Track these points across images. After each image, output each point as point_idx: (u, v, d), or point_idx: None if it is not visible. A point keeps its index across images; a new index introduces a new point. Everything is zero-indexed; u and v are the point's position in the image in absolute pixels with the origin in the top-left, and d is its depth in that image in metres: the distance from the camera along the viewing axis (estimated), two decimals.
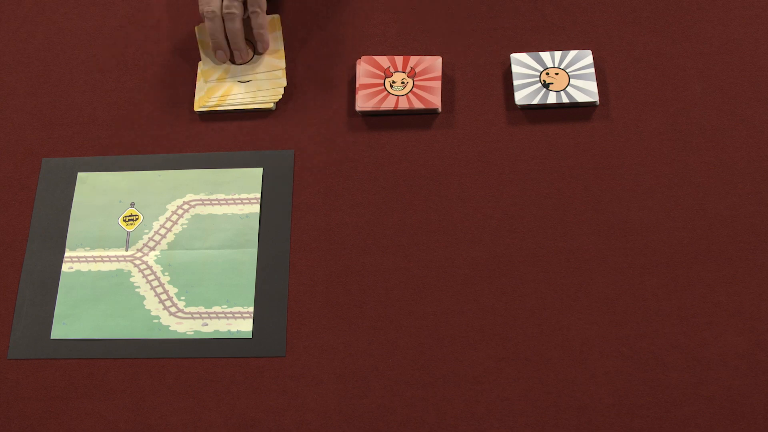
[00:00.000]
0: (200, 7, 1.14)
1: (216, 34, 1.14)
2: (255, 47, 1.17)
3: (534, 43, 1.17)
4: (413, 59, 1.15)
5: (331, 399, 0.98)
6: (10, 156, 1.15)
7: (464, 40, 1.18)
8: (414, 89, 1.13)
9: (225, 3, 1.13)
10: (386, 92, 1.13)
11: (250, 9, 1.15)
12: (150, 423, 0.97)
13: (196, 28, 1.19)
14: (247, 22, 1.17)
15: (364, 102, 1.13)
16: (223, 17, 1.14)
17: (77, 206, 1.10)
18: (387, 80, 1.14)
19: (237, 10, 1.13)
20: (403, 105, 1.12)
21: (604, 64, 1.15)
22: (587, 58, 1.13)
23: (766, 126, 1.09)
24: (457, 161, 1.10)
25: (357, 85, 1.14)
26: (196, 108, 1.15)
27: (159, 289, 1.05)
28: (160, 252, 1.07)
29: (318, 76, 1.17)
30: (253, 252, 1.06)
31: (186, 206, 1.09)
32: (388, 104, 1.12)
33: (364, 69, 1.15)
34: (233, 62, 1.17)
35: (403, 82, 1.14)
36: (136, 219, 1.09)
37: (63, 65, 1.21)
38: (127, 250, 1.07)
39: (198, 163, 1.12)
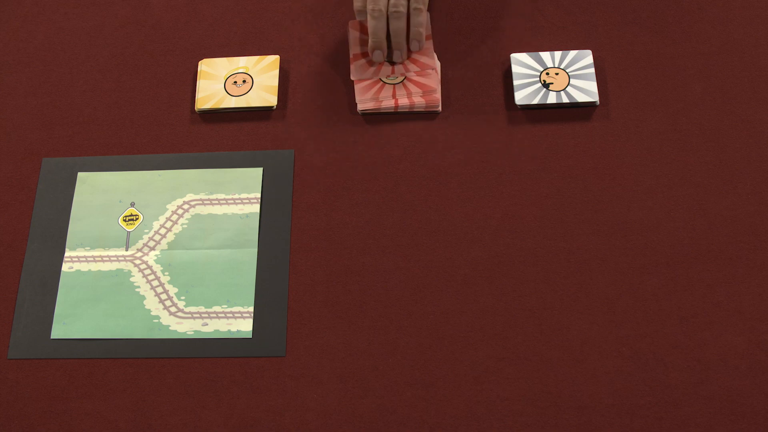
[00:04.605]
0: (362, 5, 1.11)
1: (379, 33, 1.11)
2: (409, 45, 1.14)
3: (534, 43, 1.17)
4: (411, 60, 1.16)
5: (331, 399, 0.97)
6: (10, 156, 1.15)
7: (464, 40, 1.18)
8: (407, 82, 1.13)
9: (392, 1, 1.10)
10: (381, 83, 1.13)
11: (413, 5, 1.11)
12: (150, 423, 0.97)
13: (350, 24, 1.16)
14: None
15: (362, 97, 1.12)
16: (388, 16, 1.11)
17: (77, 206, 1.10)
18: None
19: (404, 8, 1.10)
20: (403, 103, 1.12)
21: (604, 64, 1.15)
22: (587, 58, 1.13)
23: (766, 126, 1.09)
24: (457, 161, 1.10)
25: (350, 56, 1.13)
26: (197, 108, 1.15)
27: (159, 289, 1.05)
28: (160, 252, 1.07)
29: (318, 76, 1.17)
30: (253, 252, 1.06)
31: (186, 206, 1.09)
32: (388, 104, 1.12)
33: (354, 36, 1.15)
34: (391, 62, 1.14)
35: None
36: (136, 219, 1.09)
37: (63, 65, 1.21)
38: (127, 250, 1.07)
39: (198, 163, 1.12)
